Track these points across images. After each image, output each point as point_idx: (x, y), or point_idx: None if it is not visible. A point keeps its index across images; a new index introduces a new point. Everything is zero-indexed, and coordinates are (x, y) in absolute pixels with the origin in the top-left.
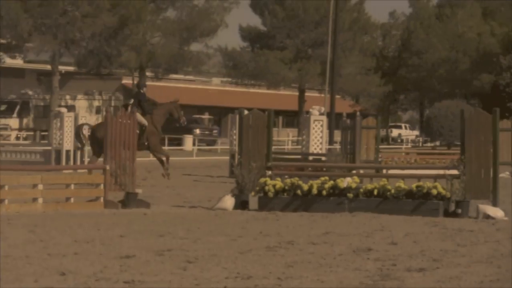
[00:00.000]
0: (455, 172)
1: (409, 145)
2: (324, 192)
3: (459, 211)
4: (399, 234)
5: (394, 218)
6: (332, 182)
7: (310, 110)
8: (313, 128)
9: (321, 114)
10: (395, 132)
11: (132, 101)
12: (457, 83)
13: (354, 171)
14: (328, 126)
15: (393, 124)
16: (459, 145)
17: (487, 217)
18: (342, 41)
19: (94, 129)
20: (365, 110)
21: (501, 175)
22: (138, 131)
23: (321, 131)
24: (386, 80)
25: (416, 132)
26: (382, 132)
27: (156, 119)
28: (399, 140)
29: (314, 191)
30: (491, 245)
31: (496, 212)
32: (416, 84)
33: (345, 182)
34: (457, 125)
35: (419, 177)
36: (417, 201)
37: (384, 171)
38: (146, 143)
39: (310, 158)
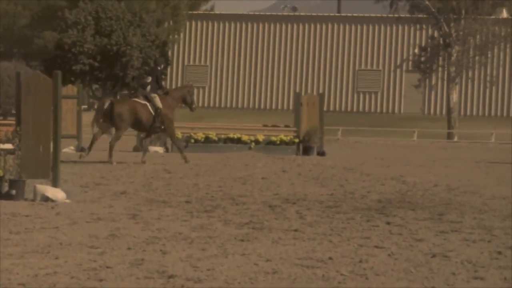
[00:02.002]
0: (10, 146)
1: None
2: None
3: (14, 192)
4: None
5: None
6: None
7: None
8: None
9: None
10: None
11: (149, 79)
12: (15, 41)
13: None
14: None
15: None
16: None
17: (46, 199)
18: None
19: (113, 103)
20: None
21: (64, 150)
22: (153, 113)
23: None
24: None
25: None
26: None
27: (170, 102)
28: None
29: None
30: (49, 232)
31: (57, 194)
32: None
33: None
34: (14, 90)
35: None
36: None
37: None
38: (162, 127)
39: None
